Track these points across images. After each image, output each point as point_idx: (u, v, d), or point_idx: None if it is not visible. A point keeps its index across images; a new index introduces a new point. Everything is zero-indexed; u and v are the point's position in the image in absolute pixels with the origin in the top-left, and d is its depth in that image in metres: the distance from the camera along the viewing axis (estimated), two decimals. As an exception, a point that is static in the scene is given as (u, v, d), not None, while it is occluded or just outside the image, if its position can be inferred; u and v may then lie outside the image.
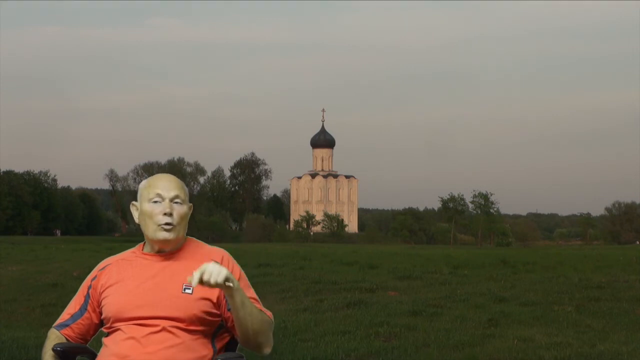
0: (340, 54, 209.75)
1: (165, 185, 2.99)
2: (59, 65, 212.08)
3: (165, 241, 2.95)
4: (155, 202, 2.96)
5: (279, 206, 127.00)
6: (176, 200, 2.97)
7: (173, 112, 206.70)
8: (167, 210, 2.94)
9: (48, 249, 28.50)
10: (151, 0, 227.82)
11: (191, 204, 3.08)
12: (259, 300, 3.03)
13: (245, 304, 2.82)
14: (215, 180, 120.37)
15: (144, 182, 3.04)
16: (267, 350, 2.93)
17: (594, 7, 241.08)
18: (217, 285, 2.71)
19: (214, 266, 2.72)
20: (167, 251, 3.00)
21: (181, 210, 2.97)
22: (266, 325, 2.90)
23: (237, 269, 3.03)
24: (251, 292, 3.01)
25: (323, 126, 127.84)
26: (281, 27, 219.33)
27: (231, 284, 2.74)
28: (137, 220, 3.02)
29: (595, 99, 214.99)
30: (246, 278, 3.04)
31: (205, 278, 2.70)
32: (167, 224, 2.93)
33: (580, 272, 16.61)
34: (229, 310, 2.91)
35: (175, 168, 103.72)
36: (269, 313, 2.96)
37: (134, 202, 3.05)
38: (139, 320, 2.89)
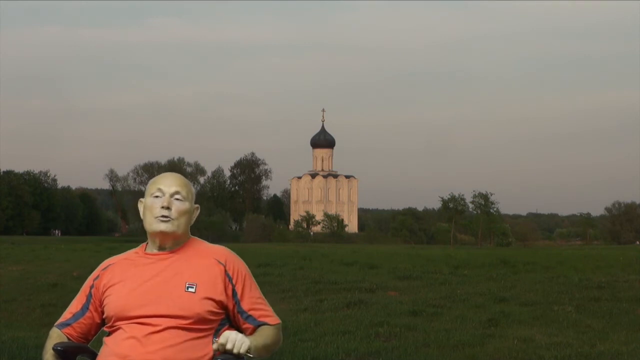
0: (340, 54, 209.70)
1: (168, 182, 3.02)
2: (59, 65, 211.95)
3: (162, 233, 2.97)
4: (156, 196, 3.00)
5: (279, 206, 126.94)
6: (176, 196, 2.99)
7: (173, 112, 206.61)
8: (165, 204, 2.97)
9: (48, 249, 28.52)
10: (151, 0, 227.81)
11: (197, 205, 3.09)
12: (265, 300, 3.06)
13: (265, 346, 2.94)
14: (215, 180, 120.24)
15: (151, 180, 3.09)
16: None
17: (594, 7, 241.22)
18: (238, 354, 2.83)
19: (236, 335, 2.83)
20: (168, 248, 3.01)
21: (181, 206, 2.99)
22: (277, 339, 3.03)
23: (243, 268, 3.04)
24: (257, 292, 3.04)
25: (323, 126, 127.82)
26: (281, 27, 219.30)
27: (251, 355, 2.84)
28: (142, 217, 3.05)
29: (595, 99, 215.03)
30: (252, 277, 3.06)
31: (228, 347, 2.80)
32: (163, 216, 2.96)
33: (580, 272, 16.62)
34: (239, 313, 3.00)
35: (175, 168, 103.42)
36: (277, 321, 3.04)
37: (141, 199, 3.08)
38: (141, 319, 2.89)
